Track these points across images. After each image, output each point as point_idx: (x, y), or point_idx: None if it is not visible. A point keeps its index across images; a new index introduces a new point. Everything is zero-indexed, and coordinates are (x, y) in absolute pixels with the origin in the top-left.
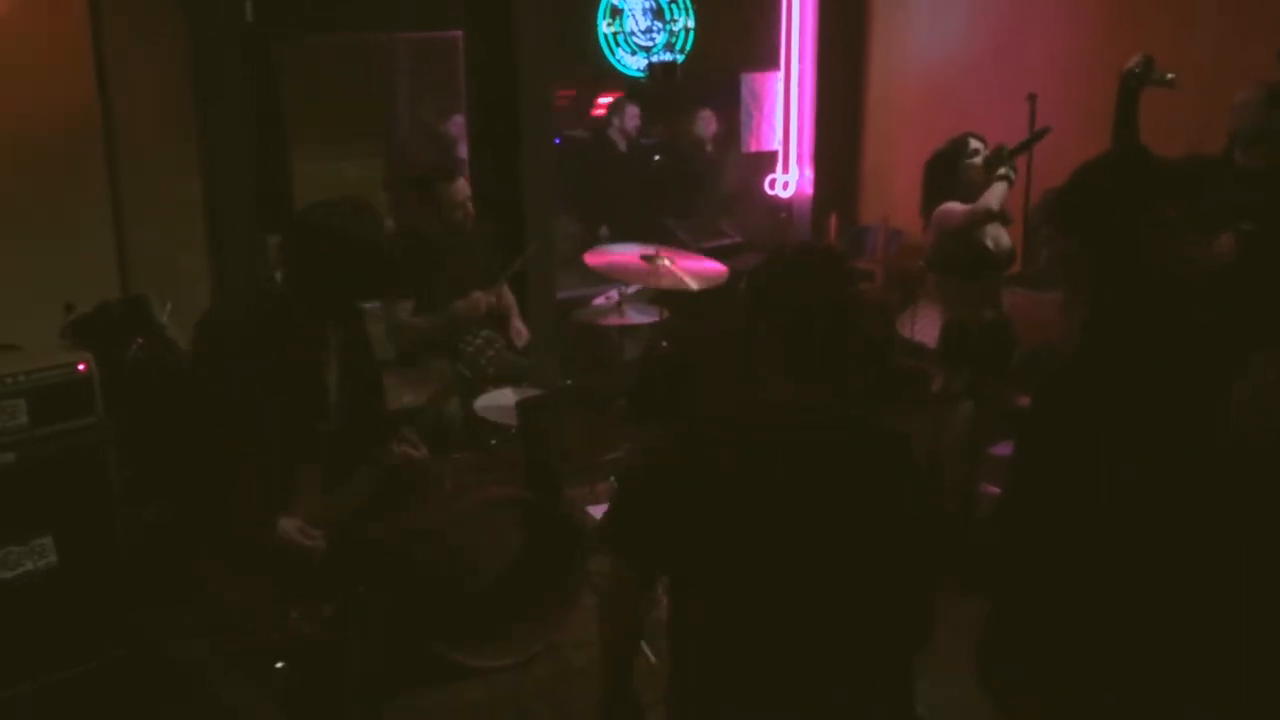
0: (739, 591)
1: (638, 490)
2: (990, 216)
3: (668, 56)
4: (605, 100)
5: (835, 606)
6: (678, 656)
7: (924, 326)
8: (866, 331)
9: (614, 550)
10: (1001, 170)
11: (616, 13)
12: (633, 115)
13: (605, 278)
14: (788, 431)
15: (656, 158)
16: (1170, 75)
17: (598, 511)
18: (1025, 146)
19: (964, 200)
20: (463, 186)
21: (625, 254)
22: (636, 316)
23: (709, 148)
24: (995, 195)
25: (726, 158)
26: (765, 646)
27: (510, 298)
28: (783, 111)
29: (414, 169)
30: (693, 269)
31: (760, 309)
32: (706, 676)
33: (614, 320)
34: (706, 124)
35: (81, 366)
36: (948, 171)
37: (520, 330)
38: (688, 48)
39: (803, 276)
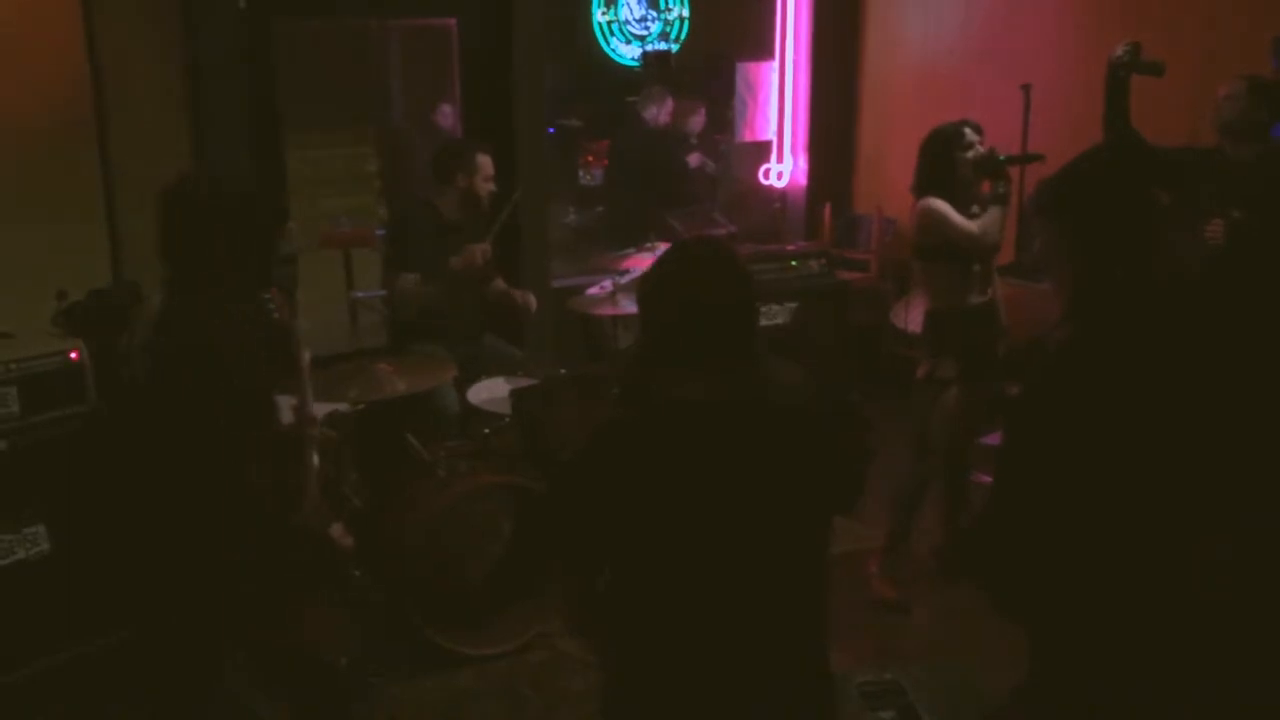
0: (674, 593)
1: (563, 508)
2: (995, 247)
3: (662, 45)
4: None
5: (766, 581)
6: (620, 649)
7: (917, 316)
8: (754, 321)
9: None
10: (1000, 189)
11: (611, 1)
12: (669, 108)
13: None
14: (702, 431)
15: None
16: (1157, 61)
17: None
18: (1016, 161)
19: (952, 195)
20: (490, 161)
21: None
22: (630, 306)
23: (694, 141)
24: (997, 225)
25: (717, 147)
26: (703, 627)
27: (500, 283)
28: (777, 101)
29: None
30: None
31: (655, 308)
32: (647, 661)
33: (608, 309)
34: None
35: (74, 355)
36: (941, 156)
37: (529, 300)
38: (682, 36)
39: (695, 272)
